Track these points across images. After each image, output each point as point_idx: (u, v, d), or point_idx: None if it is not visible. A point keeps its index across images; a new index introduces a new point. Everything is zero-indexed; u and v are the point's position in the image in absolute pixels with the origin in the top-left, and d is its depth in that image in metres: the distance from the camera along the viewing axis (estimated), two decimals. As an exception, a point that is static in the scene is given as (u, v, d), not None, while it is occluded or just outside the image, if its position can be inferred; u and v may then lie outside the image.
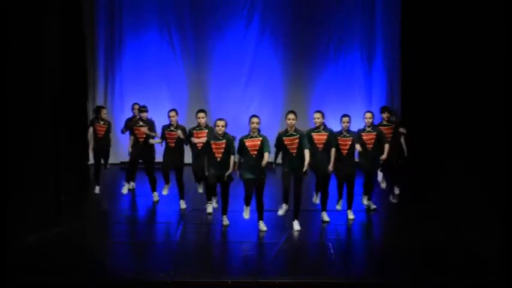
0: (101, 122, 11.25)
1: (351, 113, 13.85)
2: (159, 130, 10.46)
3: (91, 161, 14.15)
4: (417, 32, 13.10)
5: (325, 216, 9.38)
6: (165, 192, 10.42)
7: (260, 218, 8.90)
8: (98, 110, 11.50)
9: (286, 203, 9.07)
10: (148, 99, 13.96)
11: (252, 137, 8.72)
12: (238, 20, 14.21)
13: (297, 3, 14.17)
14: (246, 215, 8.98)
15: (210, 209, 9.54)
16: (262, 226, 8.84)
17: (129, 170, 11.04)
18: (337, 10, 14.16)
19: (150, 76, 14.30)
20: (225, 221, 9.12)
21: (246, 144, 8.67)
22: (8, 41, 8.26)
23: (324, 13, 14.16)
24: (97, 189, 11.52)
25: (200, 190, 10.46)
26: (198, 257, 8.20)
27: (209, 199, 9.68)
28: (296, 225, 8.97)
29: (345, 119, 9.45)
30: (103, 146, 11.39)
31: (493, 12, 8.85)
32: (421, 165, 11.62)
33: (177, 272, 7.53)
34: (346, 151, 9.38)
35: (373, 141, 9.70)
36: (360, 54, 14.26)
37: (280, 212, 9.11)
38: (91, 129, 11.34)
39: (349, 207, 9.66)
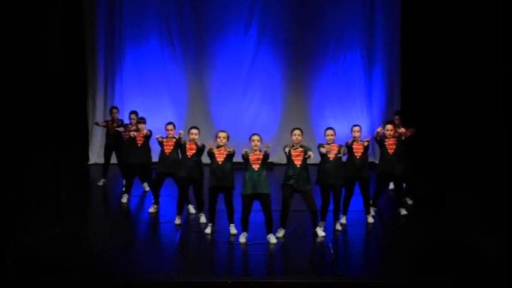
0: (113, 121, 11.66)
1: (351, 114, 14.07)
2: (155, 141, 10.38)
3: (91, 161, 14.25)
4: (417, 31, 13.11)
5: (338, 226, 9.18)
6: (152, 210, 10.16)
7: (269, 231, 8.62)
8: (110, 109, 11.93)
9: (284, 226, 8.84)
10: (148, 100, 14.03)
11: (255, 151, 8.60)
12: (238, 21, 14.17)
13: (296, 5, 14.16)
14: (242, 239, 8.61)
15: (208, 230, 9.00)
16: (272, 239, 8.57)
17: (128, 182, 10.77)
18: (336, 10, 14.13)
19: (150, 76, 14.29)
20: (233, 229, 8.90)
21: (250, 157, 8.52)
22: (8, 42, 8.26)
23: (324, 13, 14.13)
24: (101, 182, 11.86)
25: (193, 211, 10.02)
26: (198, 257, 8.20)
27: (211, 220, 9.06)
28: (320, 232, 8.83)
29: (355, 128, 9.42)
30: (114, 143, 11.61)
31: (493, 12, 8.86)
32: (422, 165, 11.61)
33: (177, 272, 7.53)
34: (360, 154, 9.35)
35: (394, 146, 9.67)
36: (360, 54, 14.24)
37: (279, 235, 8.74)
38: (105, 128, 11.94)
39: (367, 211, 9.61)
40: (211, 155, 8.73)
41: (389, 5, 14.03)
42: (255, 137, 8.64)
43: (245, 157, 8.51)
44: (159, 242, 8.75)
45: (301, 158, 8.68)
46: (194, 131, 9.23)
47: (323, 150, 8.85)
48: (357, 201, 9.68)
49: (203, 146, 9.18)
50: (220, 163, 8.68)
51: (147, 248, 8.43)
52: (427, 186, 11.34)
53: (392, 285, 7.32)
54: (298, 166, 8.65)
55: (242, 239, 8.59)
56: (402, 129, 9.74)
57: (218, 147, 8.77)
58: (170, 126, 9.96)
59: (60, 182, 9.58)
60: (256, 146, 8.57)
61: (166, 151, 9.88)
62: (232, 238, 8.73)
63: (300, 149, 8.72)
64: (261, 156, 8.51)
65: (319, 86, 14.33)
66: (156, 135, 9.97)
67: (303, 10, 14.12)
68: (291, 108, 14.29)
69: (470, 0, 9.89)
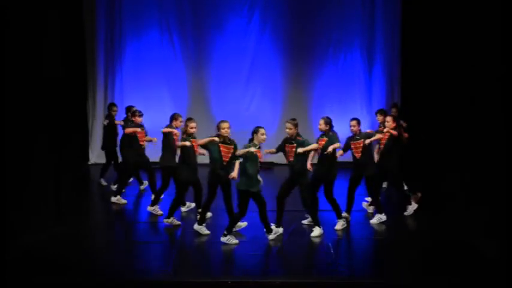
0: (111, 118, 11.65)
1: (351, 111, 14.07)
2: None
3: (91, 161, 14.26)
4: (417, 31, 13.12)
5: (339, 225, 9.16)
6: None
7: (268, 230, 8.63)
8: (109, 107, 11.86)
9: (278, 224, 8.79)
10: (149, 98, 14.06)
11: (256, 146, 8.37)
12: (238, 19, 14.25)
13: (297, 2, 14.19)
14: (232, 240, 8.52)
15: (205, 231, 8.94)
16: (271, 236, 8.57)
17: (124, 183, 10.77)
18: (337, 9, 14.18)
19: (150, 75, 14.32)
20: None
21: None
22: (8, 41, 8.26)
23: (324, 12, 14.20)
24: (103, 181, 11.89)
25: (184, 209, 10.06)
26: (198, 257, 8.20)
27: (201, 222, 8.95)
28: (316, 231, 8.78)
29: (352, 122, 9.33)
30: (112, 142, 11.63)
31: (493, 11, 8.85)
32: (422, 164, 11.61)
33: (177, 272, 7.53)
34: (359, 154, 9.31)
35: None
36: (360, 51, 14.29)
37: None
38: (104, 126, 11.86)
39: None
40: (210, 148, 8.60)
41: (390, 3, 14.06)
42: (262, 130, 8.42)
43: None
44: (159, 242, 8.75)
45: (294, 152, 8.61)
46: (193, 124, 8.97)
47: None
48: (357, 201, 9.67)
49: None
50: (225, 163, 8.60)
51: (147, 248, 8.43)
52: (426, 185, 11.34)
53: (392, 285, 7.31)
54: (291, 160, 8.63)
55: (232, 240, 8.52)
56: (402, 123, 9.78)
57: (223, 142, 8.59)
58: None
59: (60, 182, 9.58)
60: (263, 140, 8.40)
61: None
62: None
63: (293, 143, 8.63)
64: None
65: (320, 83, 14.39)
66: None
67: (304, 6, 14.16)
68: (292, 104, 14.32)
69: (471, 0, 9.89)
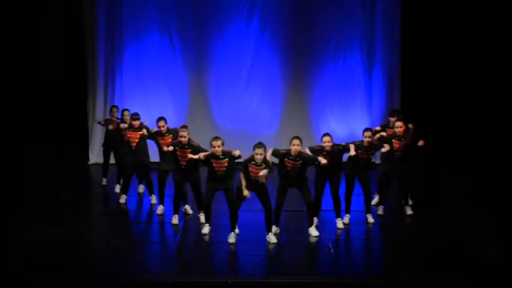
0: (113, 120, 11.60)
1: (351, 113, 14.09)
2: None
3: (91, 161, 14.25)
4: (417, 32, 13.12)
5: (340, 223, 9.22)
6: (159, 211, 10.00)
7: (269, 230, 8.57)
8: (111, 109, 11.86)
9: (277, 224, 8.80)
10: (149, 100, 14.05)
11: (256, 164, 8.34)
12: (238, 19, 14.24)
13: (297, 3, 14.19)
14: (232, 239, 8.50)
15: (206, 230, 8.90)
16: (273, 239, 8.51)
17: (126, 183, 10.71)
18: (337, 10, 14.16)
19: (150, 76, 14.31)
20: (232, 237, 8.60)
21: (250, 169, 8.31)
22: (7, 43, 8.26)
23: (324, 13, 14.17)
24: (104, 181, 11.92)
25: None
26: (198, 257, 8.20)
27: (207, 220, 8.94)
28: (313, 231, 8.79)
29: (367, 133, 9.22)
30: (112, 142, 11.55)
31: (493, 13, 8.87)
32: (422, 166, 11.61)
33: (177, 272, 7.53)
34: (363, 163, 9.30)
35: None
36: (360, 53, 14.27)
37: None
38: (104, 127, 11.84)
39: (368, 210, 9.58)
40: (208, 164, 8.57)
41: (390, 3, 14.06)
42: (259, 151, 8.27)
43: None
44: (159, 242, 8.75)
45: (297, 169, 8.55)
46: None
47: (322, 161, 8.64)
48: (357, 201, 9.68)
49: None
50: (219, 175, 8.52)
51: (147, 248, 8.43)
52: (427, 186, 11.34)
53: (392, 285, 7.31)
54: (294, 175, 8.59)
55: (231, 239, 8.52)
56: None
57: (215, 157, 8.50)
58: (162, 123, 9.81)
59: (60, 182, 9.58)
60: (260, 159, 8.26)
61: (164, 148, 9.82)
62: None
63: (299, 161, 8.52)
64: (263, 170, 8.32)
65: (319, 85, 14.37)
66: (151, 129, 9.85)
67: (303, 7, 14.15)
68: (292, 106, 14.32)
69: (471, 0, 9.91)
